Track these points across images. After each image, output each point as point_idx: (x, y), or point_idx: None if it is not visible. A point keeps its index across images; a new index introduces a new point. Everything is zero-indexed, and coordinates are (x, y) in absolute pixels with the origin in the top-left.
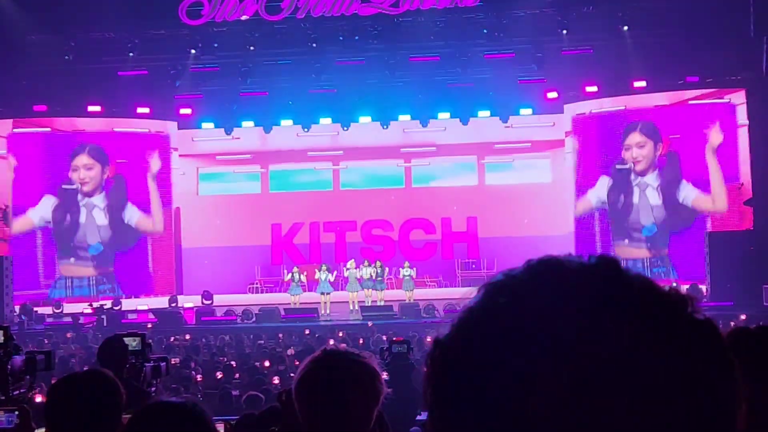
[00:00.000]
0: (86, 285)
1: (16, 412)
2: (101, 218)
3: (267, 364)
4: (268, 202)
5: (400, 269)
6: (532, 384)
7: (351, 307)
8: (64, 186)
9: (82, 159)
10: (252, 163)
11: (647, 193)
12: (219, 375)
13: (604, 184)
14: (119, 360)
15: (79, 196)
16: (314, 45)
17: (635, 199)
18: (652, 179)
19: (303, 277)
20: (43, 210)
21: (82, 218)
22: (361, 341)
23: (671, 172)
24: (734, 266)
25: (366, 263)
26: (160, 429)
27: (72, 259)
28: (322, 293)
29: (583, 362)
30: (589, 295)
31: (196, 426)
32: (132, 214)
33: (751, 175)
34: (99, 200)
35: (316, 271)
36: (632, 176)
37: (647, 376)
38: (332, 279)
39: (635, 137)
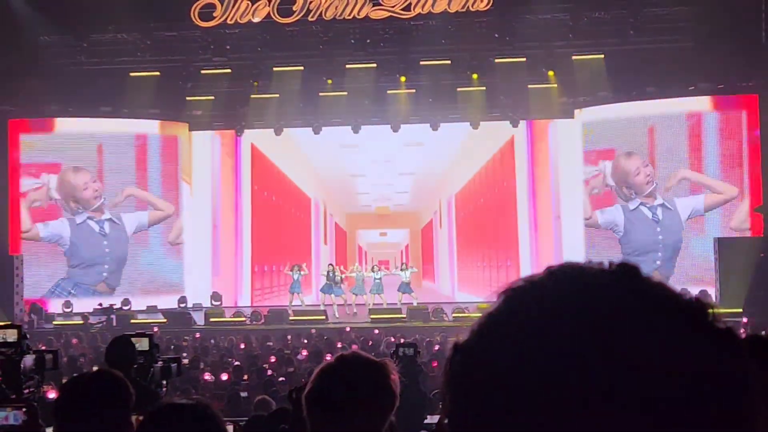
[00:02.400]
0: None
1: (24, 410)
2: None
3: (275, 366)
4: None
5: (403, 272)
6: (553, 389)
7: (348, 311)
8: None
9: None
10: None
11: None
12: (227, 376)
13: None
14: (127, 360)
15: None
16: (325, 48)
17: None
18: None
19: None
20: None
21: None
22: (370, 343)
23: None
24: (743, 273)
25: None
26: (173, 430)
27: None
28: (293, 292)
29: (604, 368)
30: (610, 301)
31: (209, 427)
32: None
33: (762, 181)
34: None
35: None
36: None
37: (668, 383)
38: (299, 277)
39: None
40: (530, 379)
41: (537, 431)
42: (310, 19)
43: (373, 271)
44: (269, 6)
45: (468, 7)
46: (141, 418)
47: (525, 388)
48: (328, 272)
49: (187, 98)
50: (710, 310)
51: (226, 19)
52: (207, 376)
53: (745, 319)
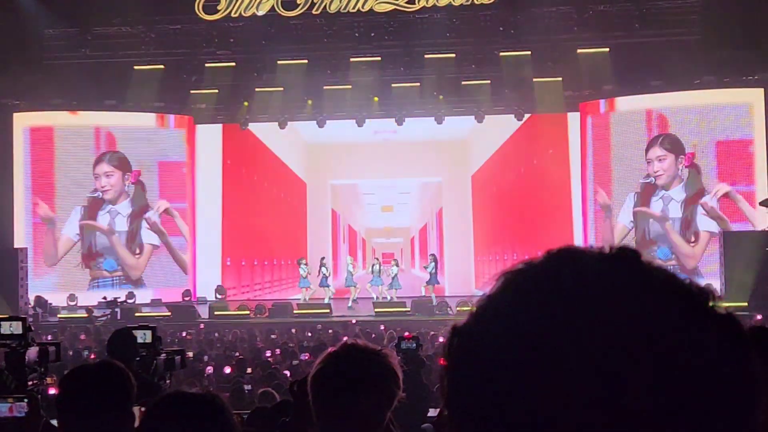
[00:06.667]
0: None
1: (26, 400)
2: (123, 226)
3: (280, 358)
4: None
5: (426, 266)
6: (551, 372)
7: (350, 303)
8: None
9: (103, 167)
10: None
11: (670, 207)
12: (231, 369)
13: (630, 199)
14: (128, 352)
15: (104, 204)
16: (330, 41)
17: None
18: (676, 193)
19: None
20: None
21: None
22: (373, 336)
23: (694, 185)
24: (749, 266)
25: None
26: (179, 419)
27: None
28: (303, 287)
29: (602, 351)
30: (610, 284)
31: (216, 416)
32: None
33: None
34: (123, 207)
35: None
36: (656, 190)
37: (667, 366)
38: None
39: (656, 151)
40: (527, 361)
41: (534, 412)
42: (314, 12)
43: (395, 265)
44: None
45: (473, 0)
46: (143, 409)
47: (521, 370)
48: (322, 267)
49: (192, 91)
50: (711, 296)
51: (231, 12)
52: (211, 371)
53: (759, 316)
